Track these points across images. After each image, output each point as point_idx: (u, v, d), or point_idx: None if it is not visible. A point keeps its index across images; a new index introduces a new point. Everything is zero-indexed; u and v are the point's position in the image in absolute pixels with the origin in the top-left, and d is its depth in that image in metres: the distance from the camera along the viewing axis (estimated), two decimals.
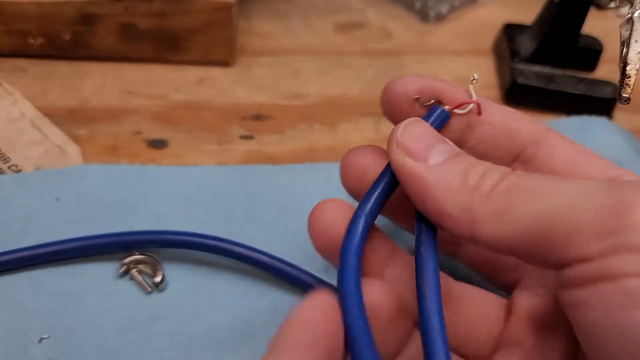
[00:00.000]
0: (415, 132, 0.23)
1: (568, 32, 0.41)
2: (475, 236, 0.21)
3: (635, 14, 0.30)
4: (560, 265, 0.19)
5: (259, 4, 0.47)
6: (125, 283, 0.29)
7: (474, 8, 0.50)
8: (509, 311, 0.25)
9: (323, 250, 0.24)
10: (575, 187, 0.20)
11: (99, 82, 0.39)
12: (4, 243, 0.29)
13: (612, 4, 0.36)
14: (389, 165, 0.23)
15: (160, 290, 0.29)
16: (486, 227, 0.20)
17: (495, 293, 0.26)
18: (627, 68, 0.29)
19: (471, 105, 0.25)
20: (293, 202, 0.32)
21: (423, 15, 0.48)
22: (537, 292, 0.24)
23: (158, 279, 0.28)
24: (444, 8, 0.48)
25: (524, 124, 0.25)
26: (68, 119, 0.36)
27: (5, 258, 0.28)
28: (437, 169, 0.22)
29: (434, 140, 0.23)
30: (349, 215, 0.23)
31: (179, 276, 0.29)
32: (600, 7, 0.38)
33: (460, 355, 0.24)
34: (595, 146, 0.36)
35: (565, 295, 0.20)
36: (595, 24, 0.41)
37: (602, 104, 0.40)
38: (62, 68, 0.40)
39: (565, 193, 0.20)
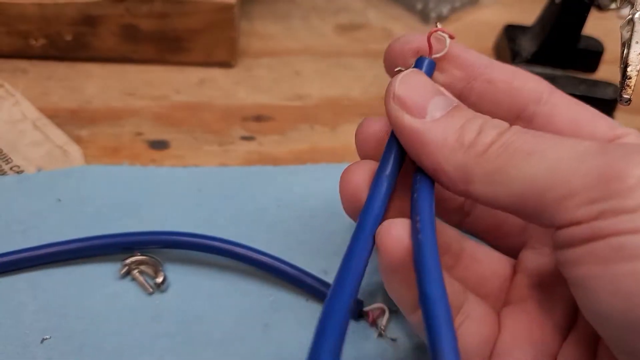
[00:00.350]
0: (412, 84, 0.23)
1: (569, 33, 0.41)
2: (470, 194, 0.21)
3: (636, 15, 0.30)
4: (552, 226, 0.20)
5: (260, 5, 0.47)
6: (126, 284, 0.29)
7: (475, 9, 0.50)
8: (515, 270, 0.25)
9: (352, 213, 0.24)
10: (569, 149, 0.20)
11: (101, 83, 0.39)
12: (6, 244, 0.29)
13: (613, 5, 0.36)
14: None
15: (162, 291, 0.29)
16: (480, 186, 0.21)
17: None
18: (628, 69, 0.29)
19: (447, 46, 0.24)
20: (293, 202, 0.33)
21: (424, 16, 0.48)
22: (542, 251, 0.25)
23: (159, 279, 0.28)
24: (444, 9, 0.48)
25: (527, 82, 0.25)
26: (69, 120, 0.36)
27: (6, 259, 0.28)
28: (434, 124, 0.22)
29: (431, 93, 0.22)
30: (371, 172, 0.23)
31: (181, 277, 0.29)
32: (601, 8, 0.38)
33: None
34: None
35: (559, 255, 0.20)
36: (596, 25, 0.41)
37: (603, 105, 0.40)
38: (63, 69, 0.40)
39: (558, 155, 0.20)
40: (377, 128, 0.25)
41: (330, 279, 0.29)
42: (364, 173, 0.23)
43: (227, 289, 0.29)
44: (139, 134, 0.36)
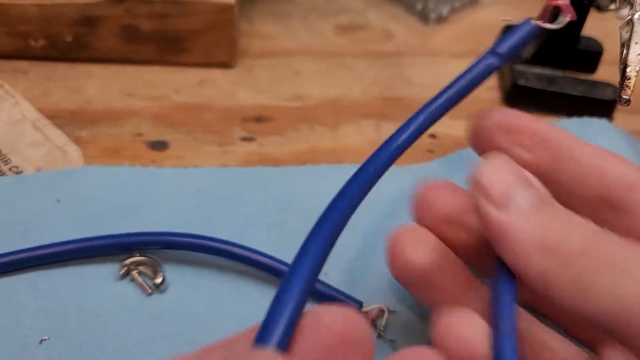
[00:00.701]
0: (497, 170, 0.21)
1: (568, 33, 0.41)
2: (553, 300, 0.20)
3: (636, 16, 0.30)
4: None
5: (260, 6, 0.47)
6: (125, 285, 0.29)
7: (475, 9, 0.50)
8: None
9: (404, 282, 0.24)
10: None
11: (100, 84, 0.39)
12: (5, 244, 0.29)
13: (613, 6, 0.36)
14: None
15: (161, 292, 0.29)
16: (563, 294, 0.19)
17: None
18: (627, 70, 0.29)
19: (567, 19, 0.23)
20: (294, 203, 0.32)
21: (424, 17, 0.48)
22: (627, 352, 0.22)
23: (158, 280, 0.29)
24: (444, 9, 0.48)
25: (618, 167, 0.23)
26: (69, 120, 0.36)
27: (5, 259, 0.28)
28: (517, 219, 0.20)
29: (517, 182, 0.21)
30: (428, 246, 0.23)
31: (180, 278, 0.29)
32: (601, 8, 0.38)
33: None
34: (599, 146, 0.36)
35: None
36: (595, 26, 0.41)
37: (603, 105, 0.40)
38: (63, 70, 0.40)
39: None
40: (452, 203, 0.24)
41: (331, 280, 0.29)
42: (417, 243, 0.23)
43: (226, 290, 0.29)
44: (139, 134, 0.36)
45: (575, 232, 0.20)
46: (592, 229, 0.20)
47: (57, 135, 0.35)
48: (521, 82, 0.41)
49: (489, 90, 0.42)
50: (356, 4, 0.49)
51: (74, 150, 0.34)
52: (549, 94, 0.41)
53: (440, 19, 0.48)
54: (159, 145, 0.36)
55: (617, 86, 0.30)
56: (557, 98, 0.41)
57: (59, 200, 0.31)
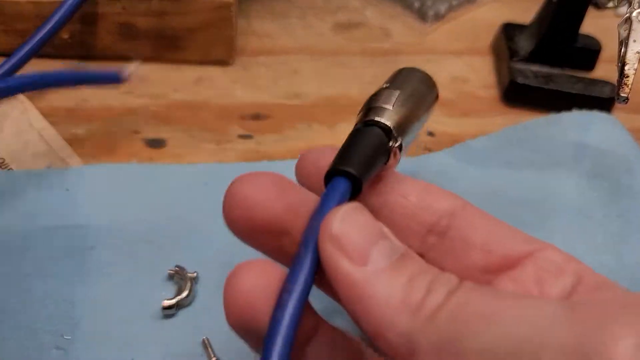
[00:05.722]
0: (354, 224, 0.19)
1: (566, 31, 0.41)
2: None
3: (634, 14, 0.30)
4: None
5: (257, 4, 0.47)
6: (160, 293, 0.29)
7: (473, 7, 0.50)
8: None
9: (239, 325, 0.20)
10: (533, 313, 0.17)
11: None
12: (16, 229, 0.29)
13: (611, 4, 0.36)
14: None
15: (187, 305, 0.28)
16: (427, 356, 0.17)
17: None
18: (625, 68, 0.29)
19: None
20: None
21: (421, 15, 0.48)
22: None
23: (185, 294, 0.28)
24: (442, 7, 0.48)
25: (439, 197, 0.23)
26: (66, 118, 0.36)
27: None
28: (376, 276, 0.18)
29: (375, 236, 0.19)
30: (270, 282, 0.19)
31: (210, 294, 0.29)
32: (599, 6, 0.38)
33: None
34: (598, 141, 0.36)
35: None
36: (593, 24, 0.41)
37: (601, 103, 0.40)
38: (60, 67, 0.40)
39: (521, 322, 0.17)
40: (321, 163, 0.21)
41: None
42: (257, 277, 0.19)
43: None
44: (136, 132, 0.36)
45: (440, 286, 0.18)
46: (456, 281, 0.18)
47: (62, 146, 0.34)
48: (519, 79, 0.41)
49: (487, 88, 0.42)
50: (354, 2, 0.49)
51: (76, 162, 0.34)
52: (546, 92, 0.41)
53: (438, 17, 0.48)
54: (157, 143, 0.36)
55: (615, 84, 0.30)
56: (554, 96, 0.41)
57: (68, 189, 0.32)
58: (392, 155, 0.22)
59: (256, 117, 0.38)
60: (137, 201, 0.32)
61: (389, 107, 0.22)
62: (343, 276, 0.18)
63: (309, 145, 0.37)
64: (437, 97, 0.25)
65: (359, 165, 0.20)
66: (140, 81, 0.38)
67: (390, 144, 0.22)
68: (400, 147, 0.22)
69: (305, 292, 0.18)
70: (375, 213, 0.21)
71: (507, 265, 0.22)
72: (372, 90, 0.24)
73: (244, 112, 0.39)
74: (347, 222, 0.19)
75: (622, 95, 0.29)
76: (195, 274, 0.29)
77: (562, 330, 0.16)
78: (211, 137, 0.37)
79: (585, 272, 0.21)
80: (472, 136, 0.37)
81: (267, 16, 0.46)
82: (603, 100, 0.40)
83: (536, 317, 0.17)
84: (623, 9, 0.31)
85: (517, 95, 0.41)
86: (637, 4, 0.30)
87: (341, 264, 0.18)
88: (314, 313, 0.21)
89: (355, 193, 0.20)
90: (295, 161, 0.24)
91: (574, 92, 0.41)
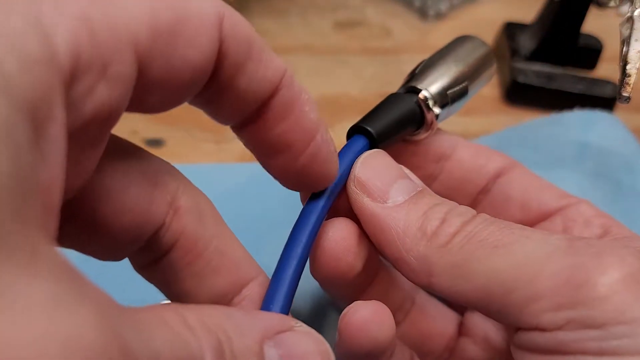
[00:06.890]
0: (375, 167, 0.22)
1: (568, 30, 0.41)
2: (432, 287, 0.20)
3: (636, 13, 0.29)
4: (515, 327, 0.19)
5: (258, 2, 0.47)
6: None
7: (474, 6, 0.50)
8: (460, 331, 0.25)
9: (330, 273, 0.22)
10: (536, 244, 0.19)
11: None
12: None
13: (612, 3, 0.36)
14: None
15: None
16: (443, 279, 0.19)
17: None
18: (627, 67, 0.29)
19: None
20: (292, 198, 0.32)
21: (422, 14, 0.48)
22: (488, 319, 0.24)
23: None
24: (443, 6, 0.48)
25: (491, 160, 0.25)
26: None
27: None
28: (395, 211, 0.20)
29: (394, 176, 0.21)
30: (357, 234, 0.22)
31: None
32: (601, 5, 0.37)
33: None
34: (600, 141, 0.36)
35: (517, 353, 0.19)
36: (595, 23, 0.41)
37: (602, 103, 0.40)
38: None
39: (525, 251, 0.19)
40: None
41: None
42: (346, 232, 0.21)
43: None
44: (135, 132, 0.36)
45: (455, 215, 0.20)
46: (471, 213, 0.20)
47: None
48: (521, 79, 0.41)
49: (488, 87, 0.42)
50: (354, 0, 0.49)
51: None
52: (548, 91, 0.41)
53: (439, 16, 0.48)
54: (155, 143, 0.36)
55: (617, 84, 0.29)
56: (556, 95, 0.40)
57: None
58: (427, 122, 0.23)
59: None
60: None
61: (429, 74, 0.23)
62: (366, 213, 0.21)
63: None
64: (492, 66, 0.26)
65: (379, 126, 0.22)
66: None
67: (425, 110, 0.23)
68: (437, 116, 0.23)
69: (319, 223, 0.21)
70: (433, 179, 0.24)
71: (542, 218, 0.24)
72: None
73: None
74: (366, 166, 0.21)
75: (624, 94, 0.29)
76: None
77: (557, 261, 0.18)
78: (211, 137, 0.37)
79: (614, 226, 0.23)
80: (474, 136, 0.36)
81: (267, 14, 0.46)
82: (605, 99, 0.40)
83: (537, 248, 0.18)
84: (625, 8, 0.31)
85: (519, 94, 0.41)
86: (639, 3, 0.30)
87: (364, 203, 0.21)
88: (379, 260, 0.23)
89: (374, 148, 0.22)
90: None
91: (575, 91, 0.40)
